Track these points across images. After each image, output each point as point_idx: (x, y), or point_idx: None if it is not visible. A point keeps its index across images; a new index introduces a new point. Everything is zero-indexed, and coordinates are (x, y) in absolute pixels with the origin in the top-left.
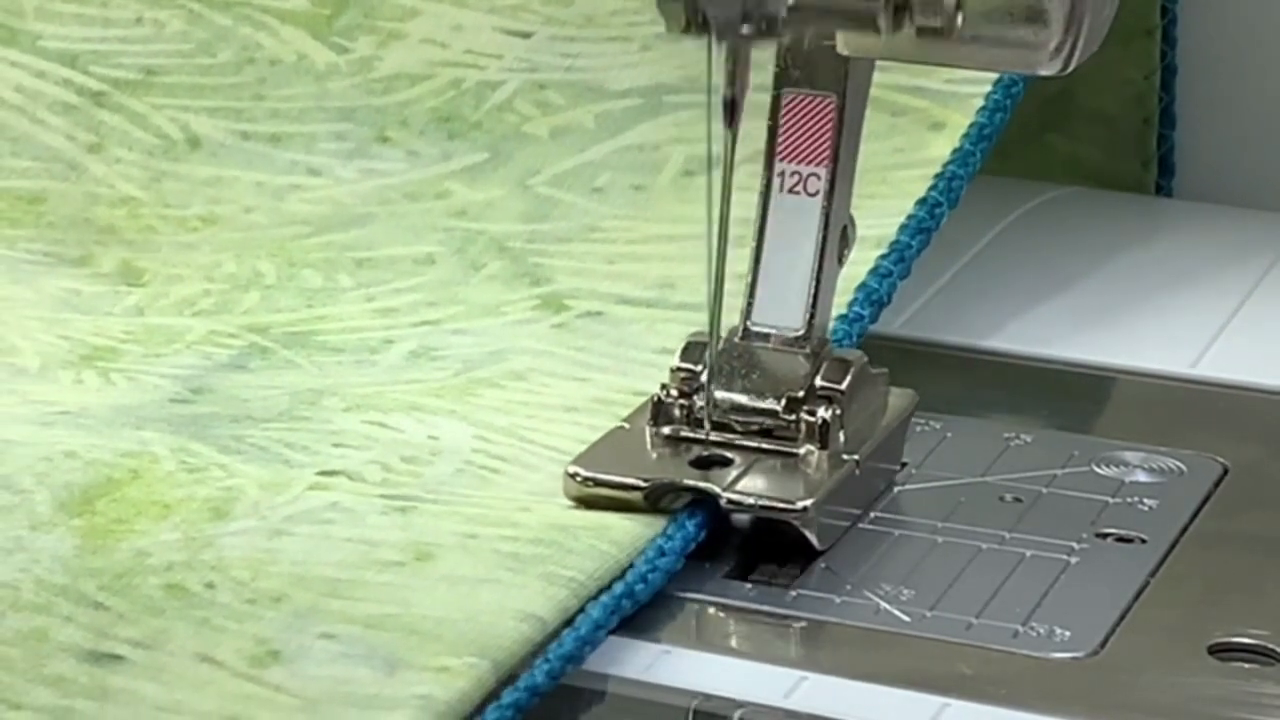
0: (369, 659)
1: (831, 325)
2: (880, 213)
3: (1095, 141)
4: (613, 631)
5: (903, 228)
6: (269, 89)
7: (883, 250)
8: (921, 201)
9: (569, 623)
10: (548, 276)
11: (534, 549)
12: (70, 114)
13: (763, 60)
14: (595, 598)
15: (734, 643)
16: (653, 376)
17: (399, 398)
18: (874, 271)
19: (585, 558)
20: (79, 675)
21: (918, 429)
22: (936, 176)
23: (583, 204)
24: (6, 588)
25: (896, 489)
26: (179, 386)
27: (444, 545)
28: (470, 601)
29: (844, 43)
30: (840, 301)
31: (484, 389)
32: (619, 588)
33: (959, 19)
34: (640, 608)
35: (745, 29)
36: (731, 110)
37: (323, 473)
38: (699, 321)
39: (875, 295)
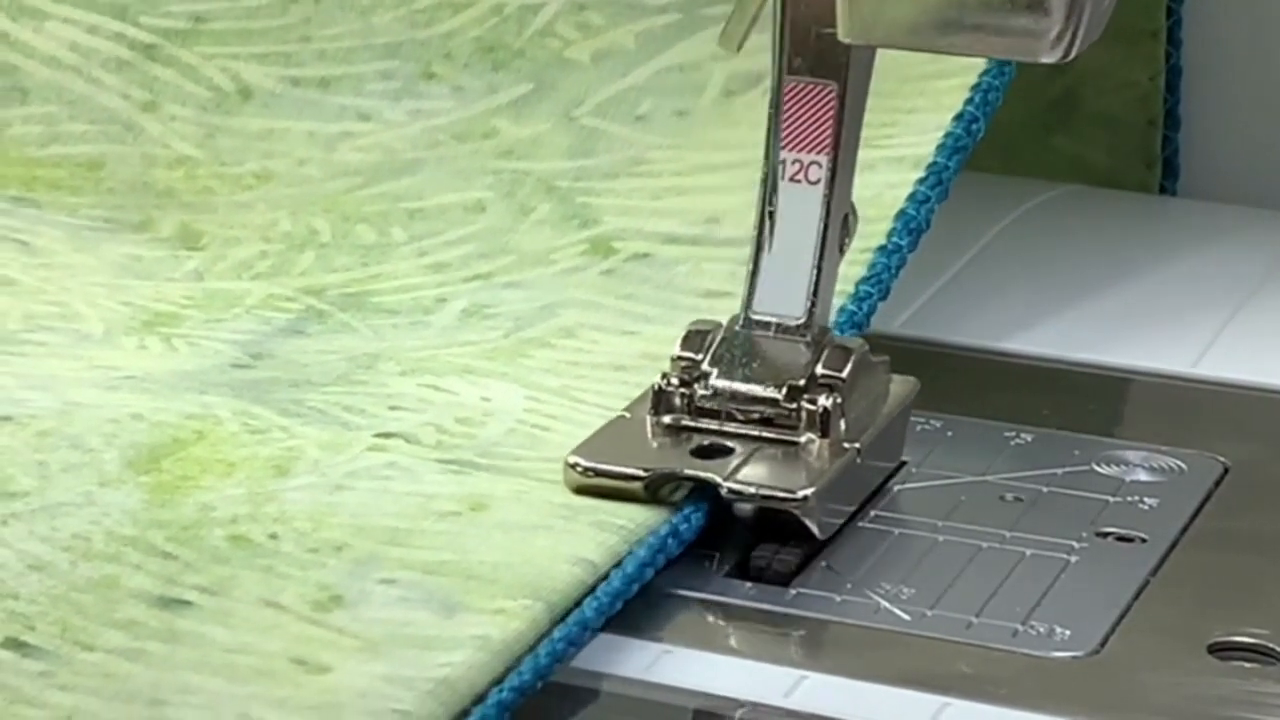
0: (428, 602)
1: (870, 256)
2: (918, 129)
3: (1099, 143)
4: (613, 631)
5: (940, 147)
6: (315, 29)
7: (920, 173)
8: (958, 117)
9: (618, 566)
10: (595, 217)
11: (584, 500)
12: (124, 71)
13: (763, 46)
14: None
15: (734, 642)
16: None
17: (452, 360)
18: (912, 198)
19: (634, 507)
20: (149, 619)
21: (918, 428)
22: (973, 89)
23: (626, 134)
24: (78, 538)
25: (897, 488)
26: (239, 352)
27: (498, 497)
28: (524, 547)
29: (845, 31)
30: (878, 230)
31: (535, 349)
32: (664, 529)
33: None
34: (641, 608)
35: None
36: None
37: (380, 434)
38: (742, 259)
39: (914, 223)
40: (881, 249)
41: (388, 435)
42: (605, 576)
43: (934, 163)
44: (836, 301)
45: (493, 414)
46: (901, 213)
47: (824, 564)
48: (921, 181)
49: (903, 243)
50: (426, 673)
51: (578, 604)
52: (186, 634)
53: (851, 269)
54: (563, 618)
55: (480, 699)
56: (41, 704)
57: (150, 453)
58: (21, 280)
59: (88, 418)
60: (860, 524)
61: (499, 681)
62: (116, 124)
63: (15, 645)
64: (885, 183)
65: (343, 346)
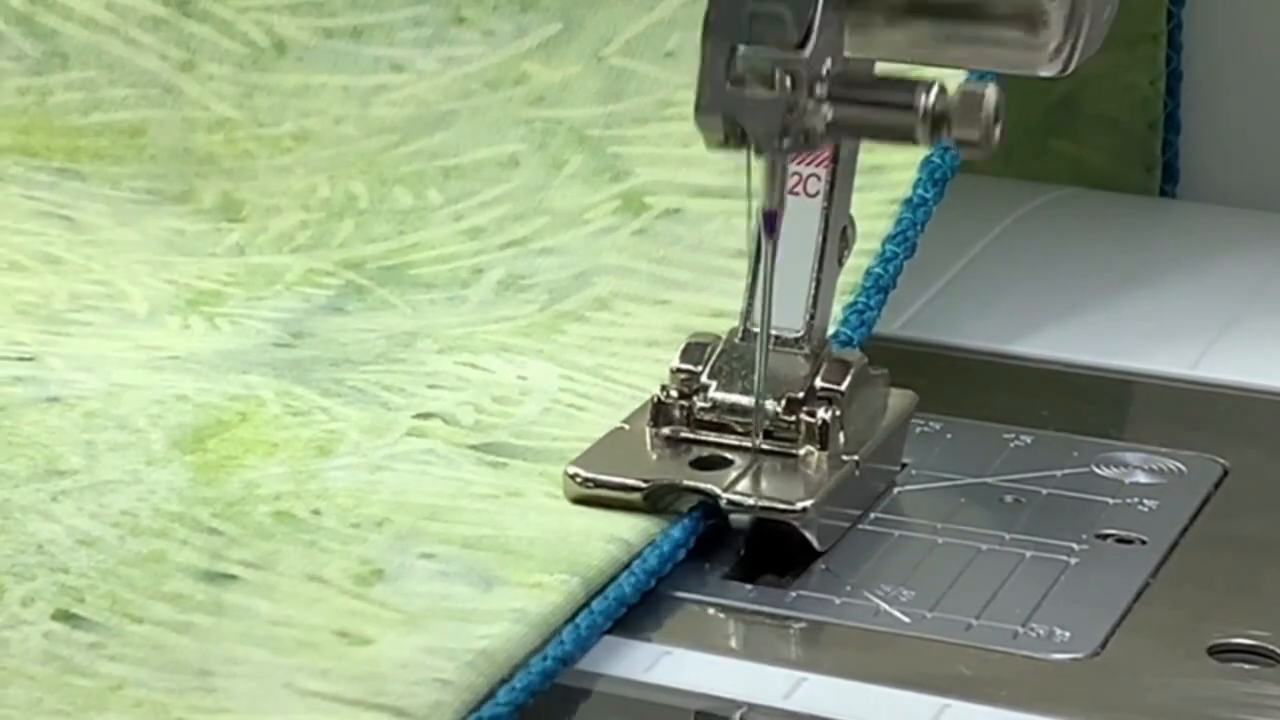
0: (467, 576)
1: (896, 209)
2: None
3: (1100, 146)
4: (612, 632)
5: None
6: None
7: (916, 173)
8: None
9: (653, 545)
10: (626, 169)
11: None
12: (160, 29)
13: None
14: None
15: (734, 644)
16: (728, 289)
17: (489, 338)
18: (915, 185)
19: None
20: (196, 593)
21: (918, 430)
22: None
23: (655, 74)
24: (126, 515)
25: (897, 490)
26: (280, 330)
27: (534, 490)
28: (561, 525)
29: (844, 44)
30: (903, 180)
31: (569, 323)
32: (696, 512)
33: (996, 132)
34: (641, 609)
35: (784, 143)
36: (771, 223)
37: (419, 415)
38: None
39: (939, 172)
40: (907, 202)
41: (427, 416)
42: (639, 555)
43: None
44: (863, 261)
45: (529, 393)
46: (927, 160)
47: (823, 566)
48: None
49: (928, 194)
50: (466, 644)
51: (612, 579)
52: (232, 607)
53: (878, 224)
54: (598, 592)
55: (518, 669)
56: (92, 674)
57: (195, 433)
58: (67, 258)
59: (134, 399)
60: (860, 526)
61: (536, 653)
62: (156, 87)
63: (66, 617)
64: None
65: (382, 324)
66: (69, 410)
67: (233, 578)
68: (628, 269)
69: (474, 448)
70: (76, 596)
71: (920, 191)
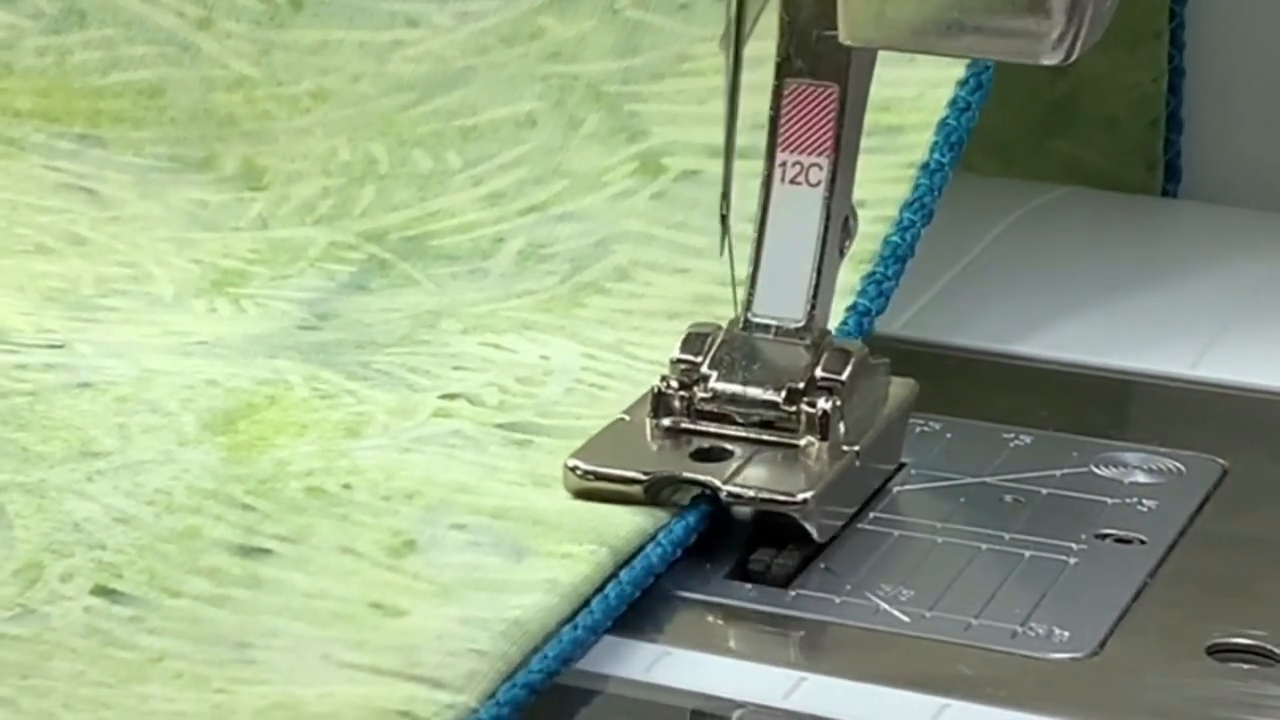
0: (498, 547)
1: (913, 174)
2: (919, 83)
3: (1101, 145)
4: (613, 632)
5: (951, 102)
6: None
7: (960, 72)
8: (962, 83)
9: (680, 517)
10: (643, 129)
11: None
12: None
13: (765, 52)
14: None
15: (733, 643)
16: (745, 255)
17: (511, 315)
18: (953, 104)
19: None
20: (232, 567)
21: (918, 430)
22: None
23: (670, 26)
24: (161, 493)
25: (896, 489)
26: (305, 312)
27: (559, 465)
28: None
29: (846, 33)
30: (920, 141)
31: (590, 296)
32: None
33: None
34: (641, 609)
35: None
36: None
37: (444, 396)
38: None
39: (955, 135)
40: (924, 167)
41: (452, 397)
42: (665, 526)
43: (972, 60)
44: (881, 230)
45: (552, 373)
46: (943, 123)
47: (823, 566)
48: (962, 84)
49: (944, 159)
50: (500, 614)
51: (639, 550)
52: (268, 580)
53: (895, 189)
54: (625, 563)
55: (550, 638)
56: (133, 646)
57: (225, 416)
58: (92, 238)
59: (164, 384)
60: (860, 526)
61: (567, 622)
62: (174, 44)
63: (105, 592)
64: (926, 80)
65: (405, 303)
66: (101, 395)
67: (267, 552)
68: (647, 235)
69: (499, 426)
70: (115, 572)
71: (937, 156)
